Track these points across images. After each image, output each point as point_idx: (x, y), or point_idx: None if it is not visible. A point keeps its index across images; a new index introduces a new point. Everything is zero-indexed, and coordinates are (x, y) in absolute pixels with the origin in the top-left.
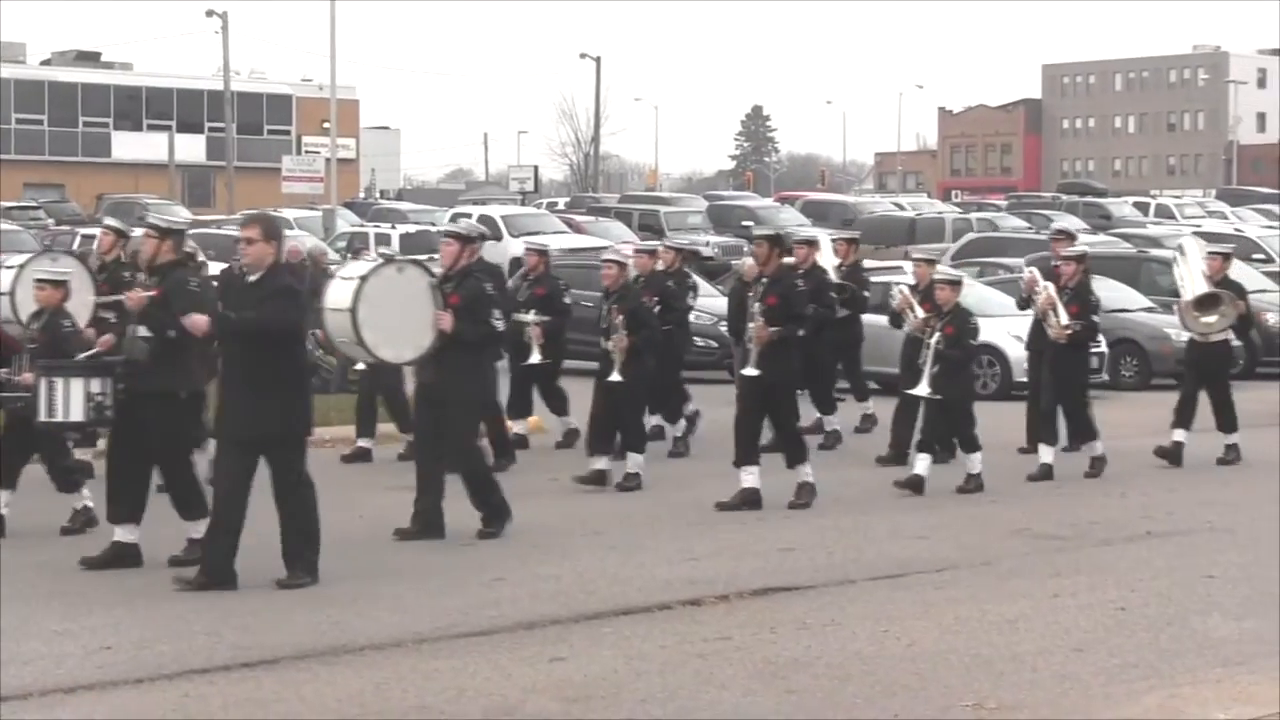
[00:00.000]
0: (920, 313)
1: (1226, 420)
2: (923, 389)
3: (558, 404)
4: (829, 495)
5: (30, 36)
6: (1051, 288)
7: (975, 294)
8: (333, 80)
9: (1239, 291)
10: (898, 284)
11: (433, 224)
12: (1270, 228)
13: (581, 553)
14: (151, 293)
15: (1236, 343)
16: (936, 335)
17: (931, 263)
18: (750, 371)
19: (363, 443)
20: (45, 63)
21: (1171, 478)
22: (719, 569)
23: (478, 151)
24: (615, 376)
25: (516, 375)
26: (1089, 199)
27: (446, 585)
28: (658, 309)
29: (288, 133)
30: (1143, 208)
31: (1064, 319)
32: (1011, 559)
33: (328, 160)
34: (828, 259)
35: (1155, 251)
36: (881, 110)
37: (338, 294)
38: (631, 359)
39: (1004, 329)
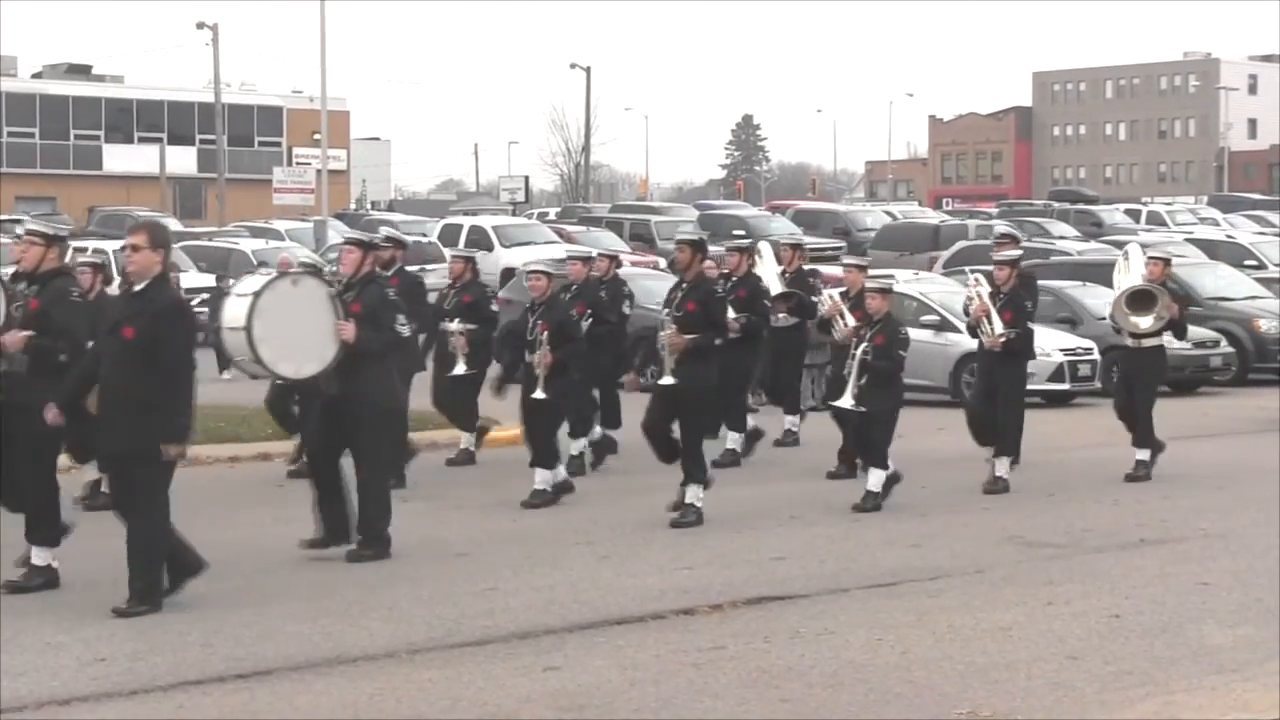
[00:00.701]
0: (850, 321)
1: (1142, 433)
2: (845, 401)
3: (471, 420)
4: (820, 503)
5: (21, 49)
6: (985, 294)
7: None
8: (323, 92)
9: (1178, 297)
10: (829, 292)
11: (424, 235)
12: (1262, 234)
13: (574, 562)
14: (25, 333)
15: (1181, 345)
16: (864, 345)
17: (863, 269)
18: (666, 380)
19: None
20: (36, 76)
21: (1164, 485)
22: (712, 578)
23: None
24: (539, 394)
25: (442, 387)
26: (1080, 206)
27: (439, 595)
28: (589, 319)
29: (279, 144)
30: (1134, 215)
31: (998, 327)
32: (1005, 567)
33: (318, 172)
34: (770, 266)
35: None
36: (872, 118)
37: (232, 311)
38: (556, 374)
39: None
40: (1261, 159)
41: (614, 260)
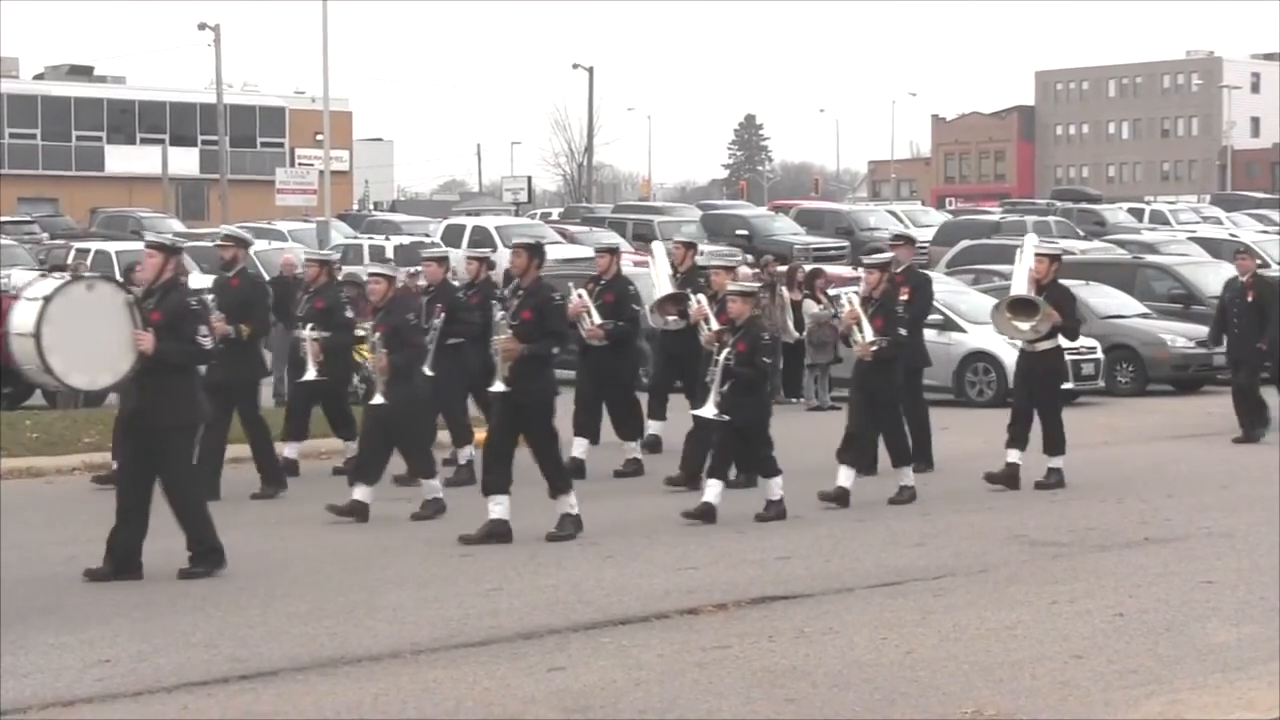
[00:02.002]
0: (715, 325)
1: (1052, 440)
2: (708, 410)
3: (346, 429)
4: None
5: (23, 51)
6: (856, 300)
7: (970, 301)
8: (325, 92)
9: (1066, 298)
10: (697, 297)
11: (426, 235)
12: (1265, 232)
13: (578, 562)
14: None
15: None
16: (726, 351)
17: (730, 270)
18: (498, 388)
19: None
20: (38, 77)
21: (1169, 484)
22: (716, 578)
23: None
24: (378, 399)
25: (293, 393)
26: (1083, 205)
27: (444, 596)
28: (440, 320)
29: (281, 145)
30: (1137, 214)
31: (869, 334)
32: (1009, 566)
33: (321, 172)
34: (662, 267)
35: (1150, 257)
36: (875, 118)
37: (21, 317)
38: (396, 379)
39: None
40: (1264, 158)
41: (483, 263)
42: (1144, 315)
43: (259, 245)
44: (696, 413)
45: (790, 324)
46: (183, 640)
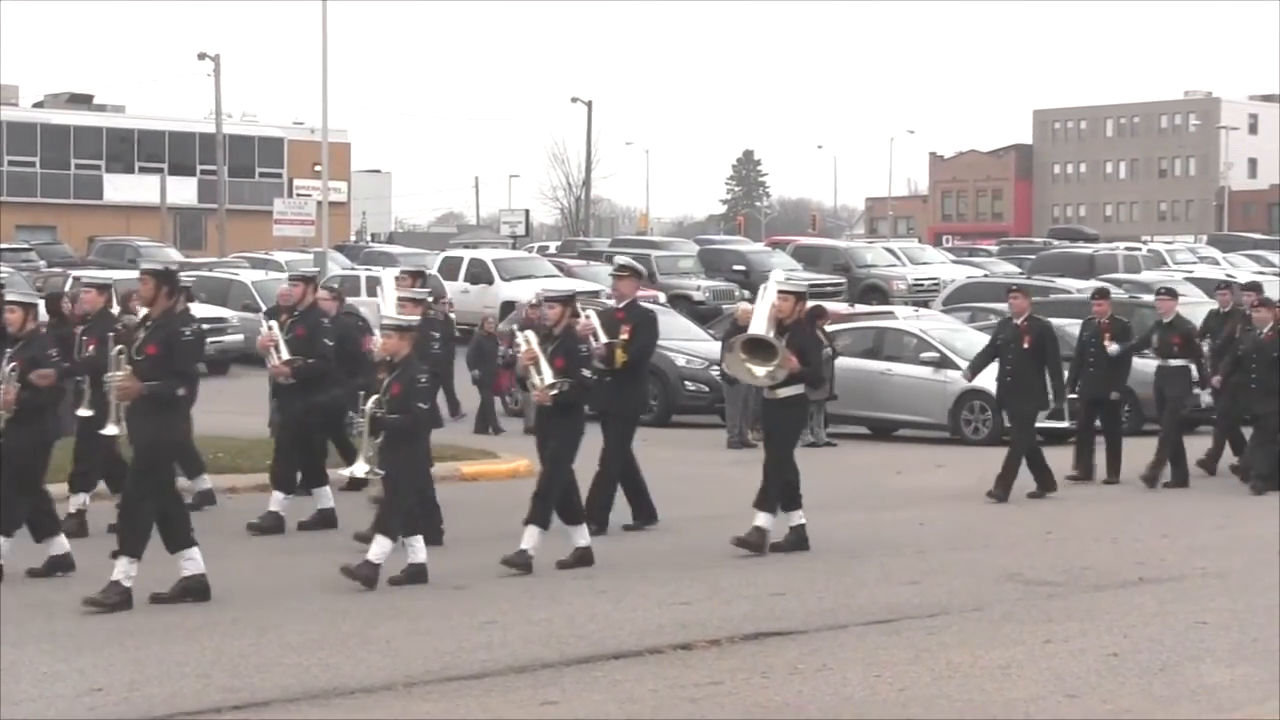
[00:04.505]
0: (547, 372)
1: (766, 492)
2: (358, 468)
3: (193, 465)
4: (819, 539)
5: (23, 79)
6: (534, 339)
7: (965, 339)
8: (324, 123)
9: (811, 342)
10: (525, 333)
11: (424, 267)
12: (1262, 273)
13: (572, 596)
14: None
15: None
16: (376, 396)
17: (420, 303)
18: (110, 431)
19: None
20: (38, 105)
21: (1163, 523)
22: (710, 613)
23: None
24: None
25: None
26: (1080, 244)
27: (437, 628)
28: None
29: (279, 175)
30: (1147, 259)
31: (547, 377)
32: (1003, 605)
33: (319, 203)
34: (390, 296)
35: (1146, 297)
36: (873, 155)
37: None
38: (24, 417)
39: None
40: (1261, 199)
41: (309, 285)
42: (1139, 355)
43: (256, 275)
44: (345, 472)
45: None
46: (175, 669)
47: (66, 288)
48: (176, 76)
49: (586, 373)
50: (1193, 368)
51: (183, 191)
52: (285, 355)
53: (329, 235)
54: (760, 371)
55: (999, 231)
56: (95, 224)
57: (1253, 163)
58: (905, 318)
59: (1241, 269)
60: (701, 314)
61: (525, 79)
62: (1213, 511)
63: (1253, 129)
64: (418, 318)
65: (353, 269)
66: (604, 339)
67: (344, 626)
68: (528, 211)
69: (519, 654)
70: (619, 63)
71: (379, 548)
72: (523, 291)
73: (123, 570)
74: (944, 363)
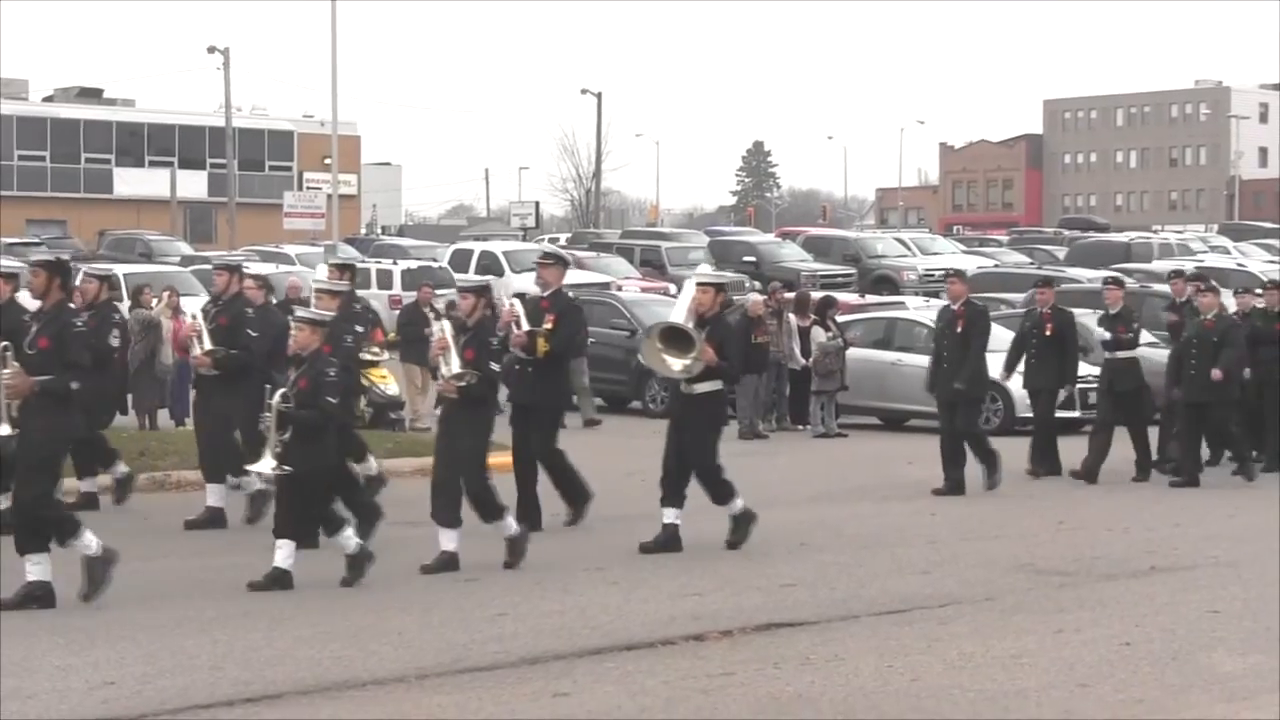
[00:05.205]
0: (455, 362)
1: (712, 496)
2: (264, 465)
3: (106, 458)
4: (830, 530)
5: (33, 73)
6: (449, 329)
7: None
8: (334, 116)
9: (730, 335)
10: (440, 323)
11: (434, 260)
12: (1273, 262)
13: (584, 588)
14: None
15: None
16: (283, 391)
17: (335, 294)
18: (3, 431)
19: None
20: (48, 99)
21: (1175, 512)
22: (722, 604)
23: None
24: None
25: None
26: (1091, 234)
27: (450, 620)
28: None
29: (289, 169)
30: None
31: (455, 367)
32: (1015, 594)
33: (329, 196)
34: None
35: (1157, 287)
36: (883, 145)
37: None
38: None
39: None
40: (1272, 187)
41: (234, 273)
42: (1151, 344)
43: (266, 268)
44: (252, 468)
45: (797, 351)
46: (188, 663)
47: (78, 281)
48: (186, 70)
49: (495, 366)
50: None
51: (193, 185)
52: (208, 345)
53: (339, 228)
54: (676, 364)
55: (1009, 222)
56: (105, 218)
57: (1263, 152)
58: (916, 308)
59: (1253, 258)
60: None
61: (535, 71)
62: (1224, 501)
63: (1263, 118)
64: (331, 312)
65: (363, 262)
66: (526, 327)
67: (356, 619)
68: (538, 203)
69: (531, 646)
70: (629, 54)
71: (282, 552)
72: (532, 284)
73: (40, 571)
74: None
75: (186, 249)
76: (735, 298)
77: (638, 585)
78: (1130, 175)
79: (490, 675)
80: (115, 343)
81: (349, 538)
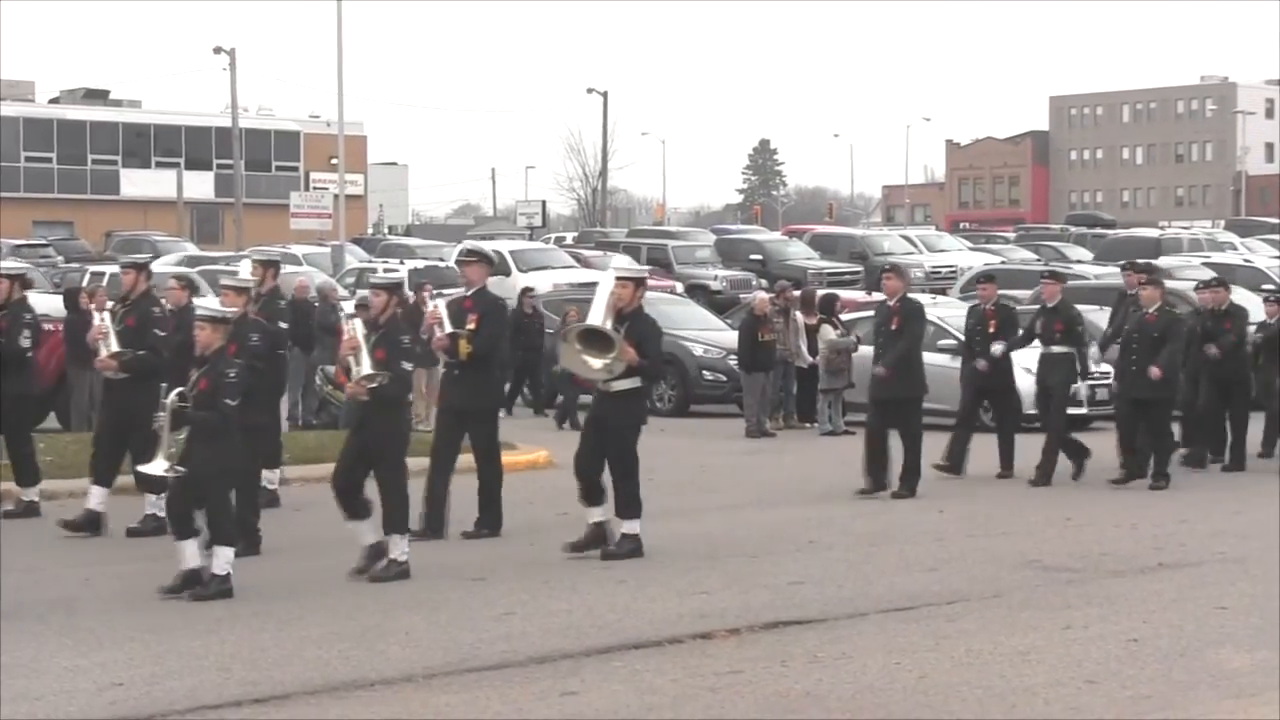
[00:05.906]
0: (367, 362)
1: (624, 500)
2: (156, 466)
3: (29, 474)
4: (837, 528)
5: (39, 75)
6: (360, 328)
7: None
8: (340, 117)
9: (651, 332)
10: (352, 321)
11: (441, 259)
12: (1279, 258)
13: (591, 586)
14: None
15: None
16: (179, 391)
17: (243, 291)
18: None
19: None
20: (54, 101)
21: (1182, 509)
22: (729, 602)
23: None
24: None
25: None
26: (1097, 230)
27: (457, 619)
28: None
29: (296, 169)
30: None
31: (365, 368)
32: (1022, 591)
33: (336, 196)
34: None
35: (1167, 283)
36: (889, 143)
37: None
38: None
39: (1016, 362)
40: (1278, 183)
41: (140, 272)
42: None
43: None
44: (141, 469)
45: (804, 348)
46: (195, 663)
47: (84, 283)
48: (192, 71)
49: (407, 366)
50: (1076, 355)
51: (199, 186)
52: (114, 348)
53: (345, 228)
54: (596, 365)
55: (1016, 218)
56: (112, 219)
57: (1269, 147)
58: (926, 306)
59: (1259, 253)
60: (719, 303)
61: (541, 70)
62: (1231, 497)
63: (1269, 113)
64: (235, 309)
65: (370, 262)
66: (449, 329)
67: (363, 619)
68: (544, 203)
69: (538, 645)
70: (634, 53)
71: (220, 558)
72: (540, 282)
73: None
74: (962, 350)
75: (193, 249)
76: (742, 296)
77: (645, 584)
78: (1136, 171)
79: (498, 674)
80: (26, 344)
81: (194, 555)
